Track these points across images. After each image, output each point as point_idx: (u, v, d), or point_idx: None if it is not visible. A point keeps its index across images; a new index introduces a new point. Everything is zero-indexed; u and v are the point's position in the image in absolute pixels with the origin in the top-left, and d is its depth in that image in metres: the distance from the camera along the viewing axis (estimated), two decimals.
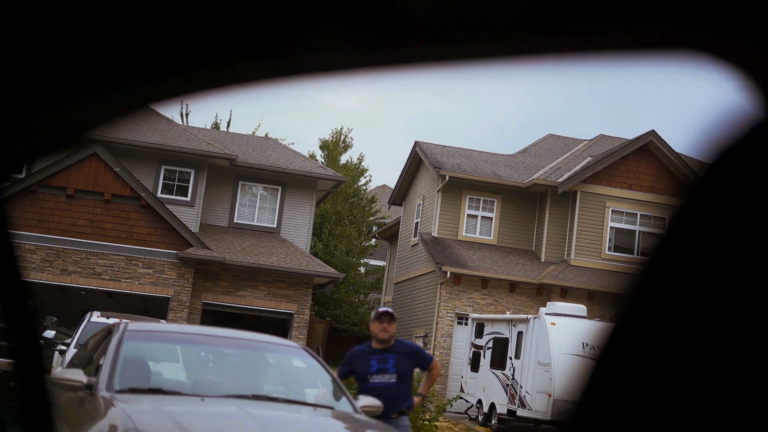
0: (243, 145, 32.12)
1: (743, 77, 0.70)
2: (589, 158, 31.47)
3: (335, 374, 7.41)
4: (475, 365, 24.51)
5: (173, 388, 6.68)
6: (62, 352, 15.82)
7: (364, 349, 8.14)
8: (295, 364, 7.54)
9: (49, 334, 17.92)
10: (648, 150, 29.39)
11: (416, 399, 8.24)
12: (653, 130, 29.12)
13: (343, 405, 6.92)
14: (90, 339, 8.74)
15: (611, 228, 29.18)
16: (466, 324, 26.50)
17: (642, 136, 29.59)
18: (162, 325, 10.41)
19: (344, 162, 43.49)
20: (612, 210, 29.04)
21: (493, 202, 30.68)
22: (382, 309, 8.20)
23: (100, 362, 6.84)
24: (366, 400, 7.18)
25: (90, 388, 6.39)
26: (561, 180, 29.61)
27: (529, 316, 22.67)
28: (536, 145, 34.65)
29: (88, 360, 7.74)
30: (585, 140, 34.40)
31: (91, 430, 5.72)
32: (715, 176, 0.72)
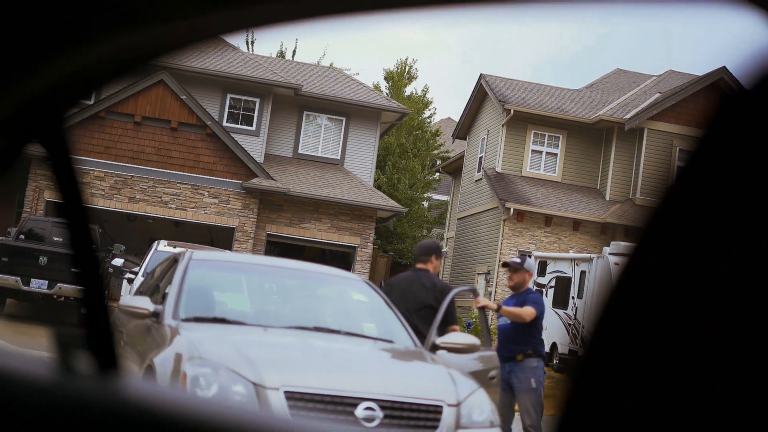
0: (308, 74, 32.03)
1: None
2: (658, 95, 30.87)
3: (395, 308, 7.44)
4: None
5: (237, 318, 6.81)
6: (130, 281, 16.01)
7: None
8: (356, 297, 7.60)
9: (118, 262, 18.15)
10: (719, 87, 28.62)
11: (489, 304, 8.76)
12: (724, 67, 28.20)
13: (404, 339, 6.96)
14: (157, 267, 8.89)
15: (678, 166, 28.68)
16: None
17: (712, 72, 28.80)
18: (226, 255, 10.55)
19: (409, 93, 43.17)
20: (679, 149, 28.49)
21: (558, 137, 30.33)
22: (508, 259, 9.11)
23: (166, 291, 6.98)
24: (449, 337, 7.08)
25: (156, 316, 6.53)
26: (628, 116, 29.12)
27: (593, 255, 22.48)
28: (603, 80, 33.97)
29: (154, 288, 7.90)
30: (653, 76, 33.65)
31: (157, 357, 5.86)
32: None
